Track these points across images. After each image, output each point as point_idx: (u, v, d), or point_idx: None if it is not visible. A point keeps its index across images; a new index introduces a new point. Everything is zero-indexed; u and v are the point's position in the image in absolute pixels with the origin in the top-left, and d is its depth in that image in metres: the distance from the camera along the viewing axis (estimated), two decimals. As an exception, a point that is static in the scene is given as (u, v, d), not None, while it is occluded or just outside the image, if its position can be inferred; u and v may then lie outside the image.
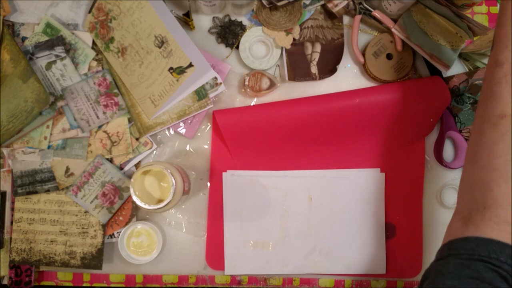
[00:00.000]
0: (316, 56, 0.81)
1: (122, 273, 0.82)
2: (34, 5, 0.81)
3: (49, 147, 0.79)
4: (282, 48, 0.81)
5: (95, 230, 0.79)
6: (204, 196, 0.83)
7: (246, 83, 0.79)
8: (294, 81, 0.80)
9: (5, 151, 0.78)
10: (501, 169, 0.50)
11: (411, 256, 0.82)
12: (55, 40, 0.78)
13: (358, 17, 0.81)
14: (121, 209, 0.80)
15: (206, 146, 0.83)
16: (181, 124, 0.81)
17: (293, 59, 0.81)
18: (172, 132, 0.82)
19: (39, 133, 0.78)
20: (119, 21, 0.76)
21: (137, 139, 0.80)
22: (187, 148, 0.83)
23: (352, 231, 0.82)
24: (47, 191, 0.78)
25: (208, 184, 0.82)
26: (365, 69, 0.83)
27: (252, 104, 0.83)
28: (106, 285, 0.82)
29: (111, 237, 0.81)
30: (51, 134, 0.79)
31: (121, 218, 0.80)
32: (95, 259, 0.78)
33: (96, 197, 0.79)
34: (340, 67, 0.82)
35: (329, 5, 0.80)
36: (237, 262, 0.81)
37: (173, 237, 0.82)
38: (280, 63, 0.83)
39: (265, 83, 0.80)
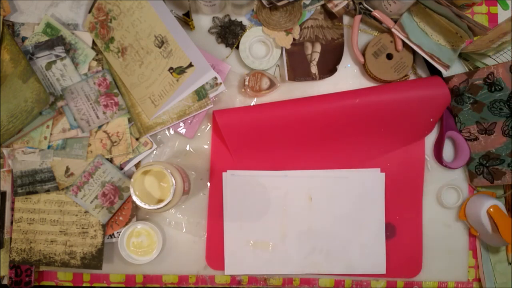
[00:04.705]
0: (316, 56, 0.81)
1: (122, 273, 0.82)
2: (34, 5, 0.81)
3: (49, 147, 0.79)
4: (282, 48, 0.81)
5: (95, 230, 0.79)
6: (204, 196, 0.83)
7: (246, 83, 0.79)
8: (294, 81, 0.80)
9: (5, 151, 0.78)
10: None
11: (411, 256, 0.82)
12: (55, 40, 0.78)
13: (358, 17, 0.81)
14: (121, 209, 0.80)
15: (206, 146, 0.83)
16: (181, 124, 0.81)
17: (293, 59, 0.81)
18: (172, 132, 0.82)
19: (39, 133, 0.78)
20: (119, 21, 0.76)
21: (137, 139, 0.80)
22: (187, 148, 0.83)
23: (352, 231, 0.82)
24: (47, 191, 0.78)
25: (208, 184, 0.82)
26: (365, 69, 0.83)
27: (252, 104, 0.83)
28: (106, 285, 0.82)
29: (111, 237, 0.81)
30: (51, 134, 0.79)
31: (121, 218, 0.80)
32: (95, 259, 0.78)
33: (96, 197, 0.79)
34: (340, 67, 0.82)
35: (329, 5, 0.80)
36: (237, 262, 0.81)
37: (173, 237, 0.82)
38: (280, 63, 0.83)
39: (265, 83, 0.80)
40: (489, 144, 0.79)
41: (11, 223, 0.79)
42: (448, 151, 0.84)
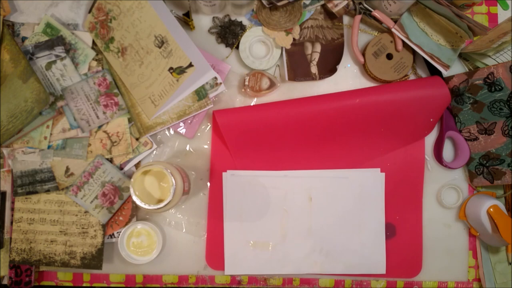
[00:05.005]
0: (316, 56, 0.81)
1: (122, 273, 0.82)
2: (34, 5, 0.81)
3: (49, 147, 0.79)
4: (282, 48, 0.81)
5: (95, 230, 0.79)
6: (204, 196, 0.83)
7: (246, 83, 0.79)
8: (294, 81, 0.80)
9: (5, 151, 0.78)
10: None
11: (411, 256, 0.82)
12: (55, 40, 0.78)
13: (358, 17, 0.81)
14: (121, 209, 0.80)
15: (206, 146, 0.83)
16: (181, 124, 0.81)
17: (293, 59, 0.81)
18: (172, 132, 0.82)
19: (39, 133, 0.78)
20: (119, 21, 0.76)
21: (137, 139, 0.80)
22: (187, 148, 0.83)
23: (352, 231, 0.82)
24: (47, 191, 0.78)
25: (208, 184, 0.82)
26: (365, 69, 0.83)
27: (252, 104, 0.83)
28: (106, 285, 0.82)
29: (111, 237, 0.81)
30: (51, 134, 0.79)
31: (121, 218, 0.80)
32: (95, 259, 0.78)
33: (96, 197, 0.79)
34: (340, 67, 0.82)
35: (329, 5, 0.80)
36: (237, 262, 0.81)
37: (173, 237, 0.82)
38: (280, 63, 0.83)
39: (265, 83, 0.80)
40: (489, 144, 0.79)
41: (11, 223, 0.79)
42: (448, 151, 0.84)
